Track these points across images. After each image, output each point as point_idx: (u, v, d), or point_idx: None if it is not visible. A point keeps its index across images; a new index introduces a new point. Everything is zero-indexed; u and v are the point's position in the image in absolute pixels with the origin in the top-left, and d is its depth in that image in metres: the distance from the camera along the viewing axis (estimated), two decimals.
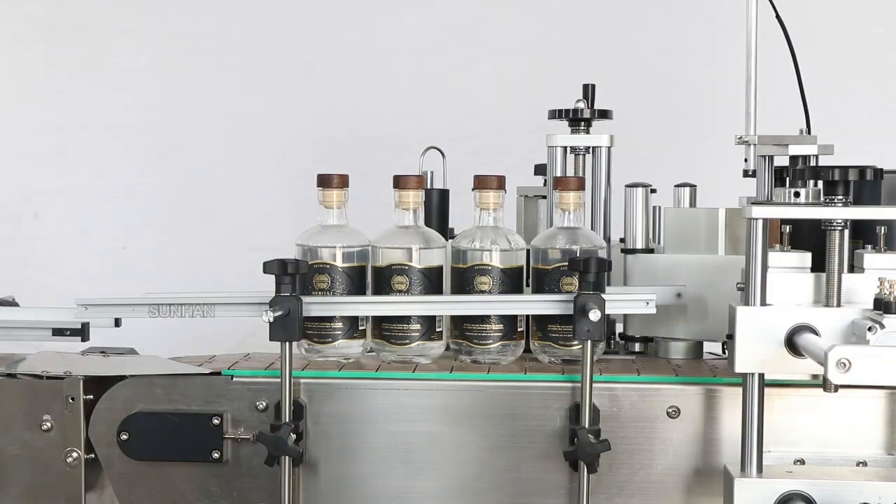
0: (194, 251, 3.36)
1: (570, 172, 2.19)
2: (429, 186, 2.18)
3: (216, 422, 1.97)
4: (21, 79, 3.37)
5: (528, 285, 2.05)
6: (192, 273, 3.33)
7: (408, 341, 2.02)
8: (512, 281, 2.01)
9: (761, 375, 1.83)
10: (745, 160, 2.08)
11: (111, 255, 3.36)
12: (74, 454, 1.99)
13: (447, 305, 2.01)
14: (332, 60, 3.35)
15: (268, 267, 1.92)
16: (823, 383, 1.85)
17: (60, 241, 3.37)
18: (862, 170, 1.83)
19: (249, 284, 2.09)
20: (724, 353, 2.13)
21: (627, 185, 2.19)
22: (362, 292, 2.03)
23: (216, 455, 1.97)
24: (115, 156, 3.37)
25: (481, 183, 2.03)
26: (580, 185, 2.04)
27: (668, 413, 1.94)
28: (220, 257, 3.33)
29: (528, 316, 2.04)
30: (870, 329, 1.72)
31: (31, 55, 3.37)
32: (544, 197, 2.27)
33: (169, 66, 3.36)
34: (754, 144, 2.07)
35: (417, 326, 2.01)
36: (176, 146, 3.37)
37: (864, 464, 1.91)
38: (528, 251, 2.05)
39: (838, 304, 1.83)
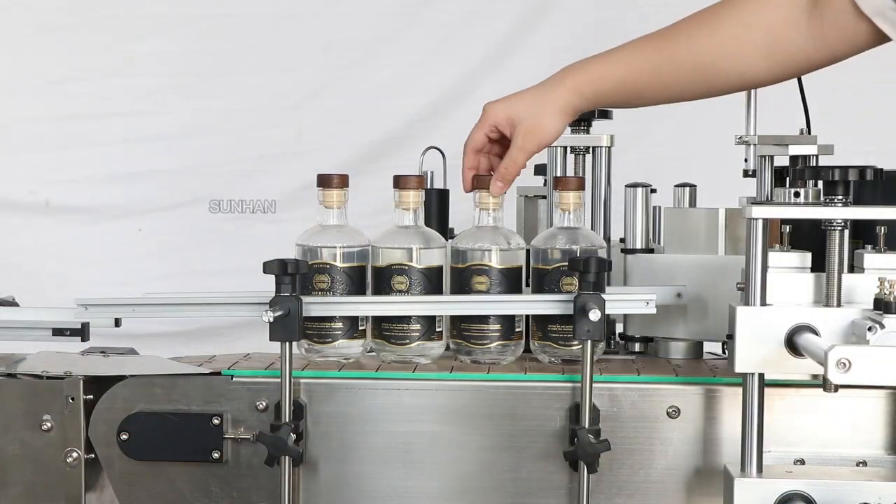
0: (209, 233, 3.36)
1: (570, 172, 2.19)
2: (429, 186, 2.18)
3: (216, 422, 1.97)
4: (26, 69, 3.36)
5: (527, 285, 2.05)
6: (208, 255, 3.33)
7: (408, 341, 2.02)
8: (510, 281, 2.01)
9: (761, 375, 1.83)
10: (745, 160, 2.08)
11: (125, 241, 3.35)
12: (74, 454, 1.99)
13: (447, 305, 2.01)
14: (349, 39, 3.35)
15: (268, 267, 1.91)
16: (823, 383, 1.85)
17: (72, 229, 3.37)
18: (862, 170, 1.83)
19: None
20: (724, 353, 2.13)
21: (627, 185, 2.19)
22: (362, 292, 2.03)
23: (216, 455, 1.97)
24: (125, 143, 3.37)
25: (481, 183, 2.03)
26: (580, 185, 2.04)
27: (668, 413, 1.94)
28: (236, 237, 3.33)
29: (527, 316, 2.04)
30: (870, 329, 1.72)
31: (36, 45, 3.36)
32: (544, 197, 2.27)
33: (180, 49, 3.36)
34: (754, 144, 2.07)
35: (417, 326, 2.01)
36: (188, 129, 3.36)
37: (864, 464, 1.90)
38: (527, 251, 2.05)
39: (838, 304, 1.82)
